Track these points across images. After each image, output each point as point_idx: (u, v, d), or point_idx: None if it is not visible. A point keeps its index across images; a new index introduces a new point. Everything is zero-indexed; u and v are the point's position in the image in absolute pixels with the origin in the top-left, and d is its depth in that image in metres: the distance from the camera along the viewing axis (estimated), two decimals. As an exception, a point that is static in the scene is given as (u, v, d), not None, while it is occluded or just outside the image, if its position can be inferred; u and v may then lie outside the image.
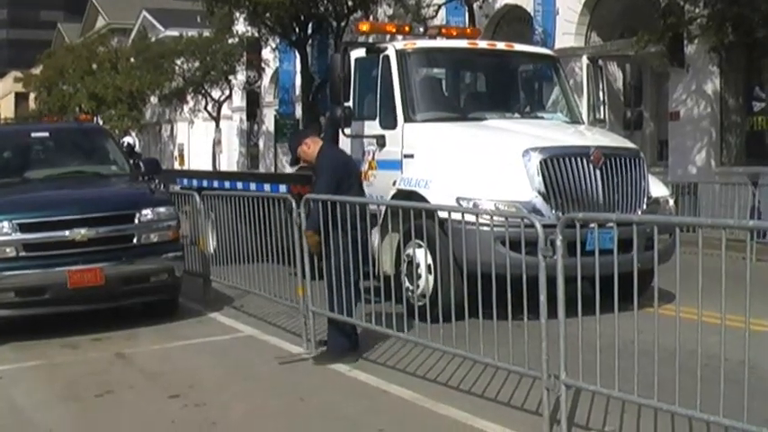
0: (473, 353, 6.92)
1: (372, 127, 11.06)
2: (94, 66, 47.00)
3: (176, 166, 47.23)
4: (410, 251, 9.80)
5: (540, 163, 9.78)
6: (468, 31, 14.60)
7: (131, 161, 12.73)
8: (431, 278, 9.38)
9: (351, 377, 7.84)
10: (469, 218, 7.87)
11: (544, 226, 6.17)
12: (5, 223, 9.55)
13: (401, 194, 10.26)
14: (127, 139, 30.17)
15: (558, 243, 5.93)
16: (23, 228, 9.59)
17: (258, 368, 8.33)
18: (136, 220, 10.07)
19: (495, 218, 8.09)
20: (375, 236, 10.15)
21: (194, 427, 6.62)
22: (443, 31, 12.94)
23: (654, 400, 5.53)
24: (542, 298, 6.01)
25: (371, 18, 25.85)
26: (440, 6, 25.24)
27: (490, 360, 6.75)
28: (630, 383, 5.62)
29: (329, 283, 8.31)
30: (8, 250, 9.53)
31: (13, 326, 9.87)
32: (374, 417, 6.70)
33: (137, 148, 29.94)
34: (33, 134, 12.56)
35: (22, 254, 9.57)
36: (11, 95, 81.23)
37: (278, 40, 32.04)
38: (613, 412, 6.32)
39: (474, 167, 9.95)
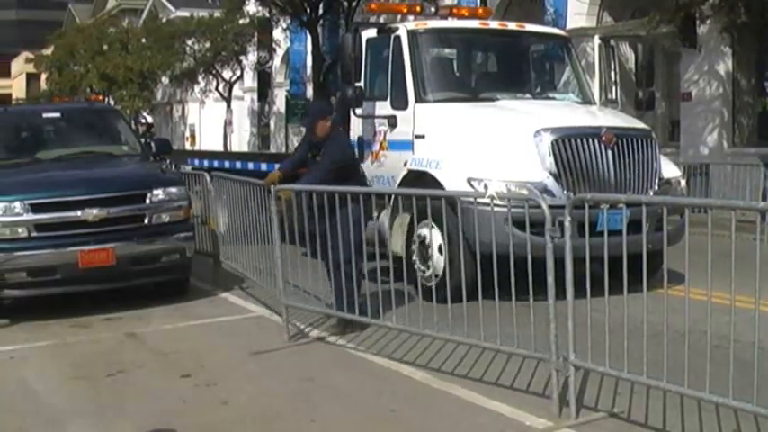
0: (479, 338, 6.89)
1: (383, 107, 11.04)
2: (105, 46, 46.91)
3: (187, 146, 47.26)
4: (421, 231, 9.80)
5: (552, 143, 9.75)
6: (480, 11, 14.54)
7: (144, 140, 12.75)
8: (442, 258, 9.38)
9: (362, 357, 7.85)
10: (482, 198, 7.85)
11: (555, 207, 6.15)
12: (17, 203, 9.59)
13: (412, 175, 10.27)
14: (146, 116, 30.16)
15: (567, 224, 5.93)
16: (35, 208, 9.62)
17: (269, 348, 8.35)
18: (147, 200, 10.10)
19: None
20: (385, 217, 10.19)
21: (205, 406, 6.65)
22: (454, 11, 12.91)
23: (663, 382, 5.52)
24: (550, 279, 6.01)
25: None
26: (451, -14, 25.12)
27: (503, 347, 6.70)
28: (639, 365, 5.62)
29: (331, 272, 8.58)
30: (20, 230, 9.58)
31: (26, 305, 9.93)
32: (386, 397, 6.71)
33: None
34: (45, 114, 12.57)
35: (34, 234, 9.61)
36: (22, 76, 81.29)
37: (289, 20, 32.00)
38: (623, 394, 6.32)
39: (485, 148, 9.93)
